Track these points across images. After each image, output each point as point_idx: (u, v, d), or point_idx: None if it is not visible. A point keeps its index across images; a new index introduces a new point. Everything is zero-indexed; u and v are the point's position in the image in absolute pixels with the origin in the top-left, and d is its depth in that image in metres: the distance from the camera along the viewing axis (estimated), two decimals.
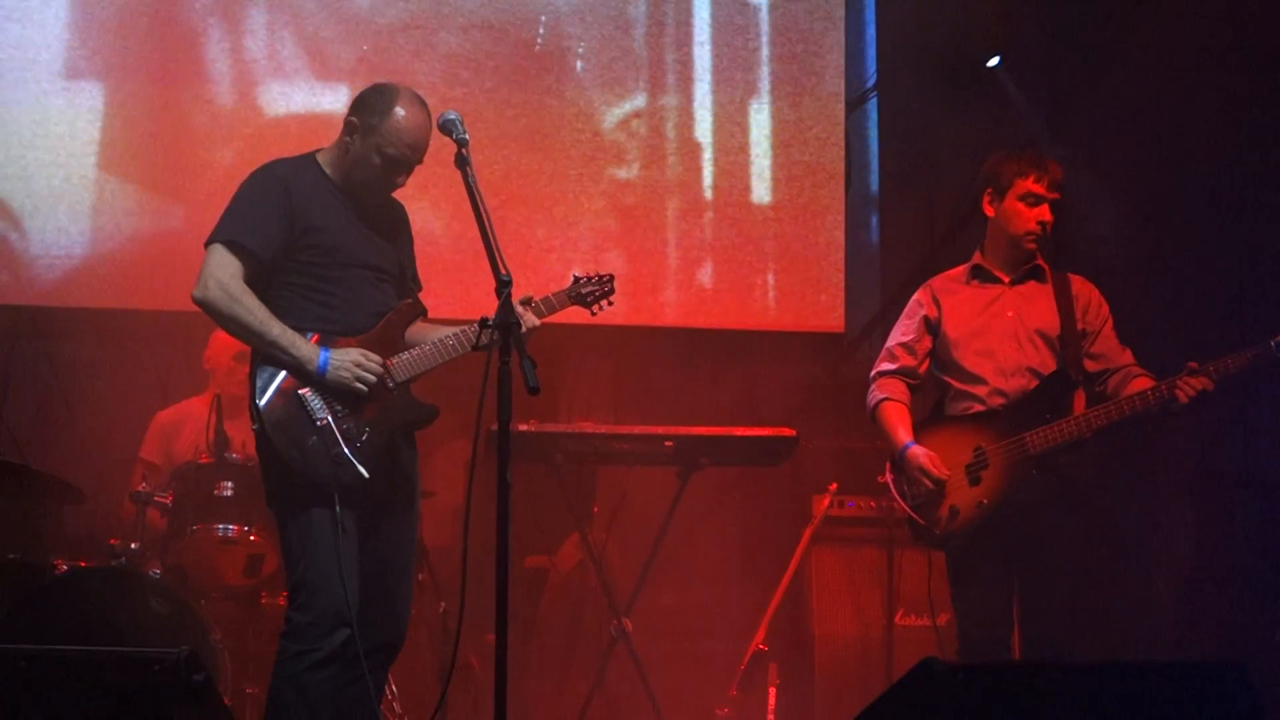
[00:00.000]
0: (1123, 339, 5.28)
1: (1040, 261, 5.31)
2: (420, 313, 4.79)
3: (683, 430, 6.22)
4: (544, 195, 7.25)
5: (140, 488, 5.87)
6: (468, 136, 4.33)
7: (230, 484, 5.80)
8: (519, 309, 4.53)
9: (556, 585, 6.72)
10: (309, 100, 7.18)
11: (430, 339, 4.64)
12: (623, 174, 7.37)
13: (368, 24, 7.25)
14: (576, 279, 4.87)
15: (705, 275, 7.41)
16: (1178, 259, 6.78)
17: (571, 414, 7.19)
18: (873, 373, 5.46)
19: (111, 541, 5.72)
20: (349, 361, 4.47)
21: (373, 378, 4.49)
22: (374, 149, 4.57)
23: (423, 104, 4.64)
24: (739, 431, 6.27)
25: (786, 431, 6.26)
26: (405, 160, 4.59)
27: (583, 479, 6.75)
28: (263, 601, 5.95)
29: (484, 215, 4.15)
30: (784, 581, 6.46)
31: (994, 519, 5.09)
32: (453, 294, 6.69)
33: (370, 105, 4.61)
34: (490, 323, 4.03)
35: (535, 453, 6.08)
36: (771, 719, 6.27)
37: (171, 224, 7.00)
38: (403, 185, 4.68)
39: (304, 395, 4.46)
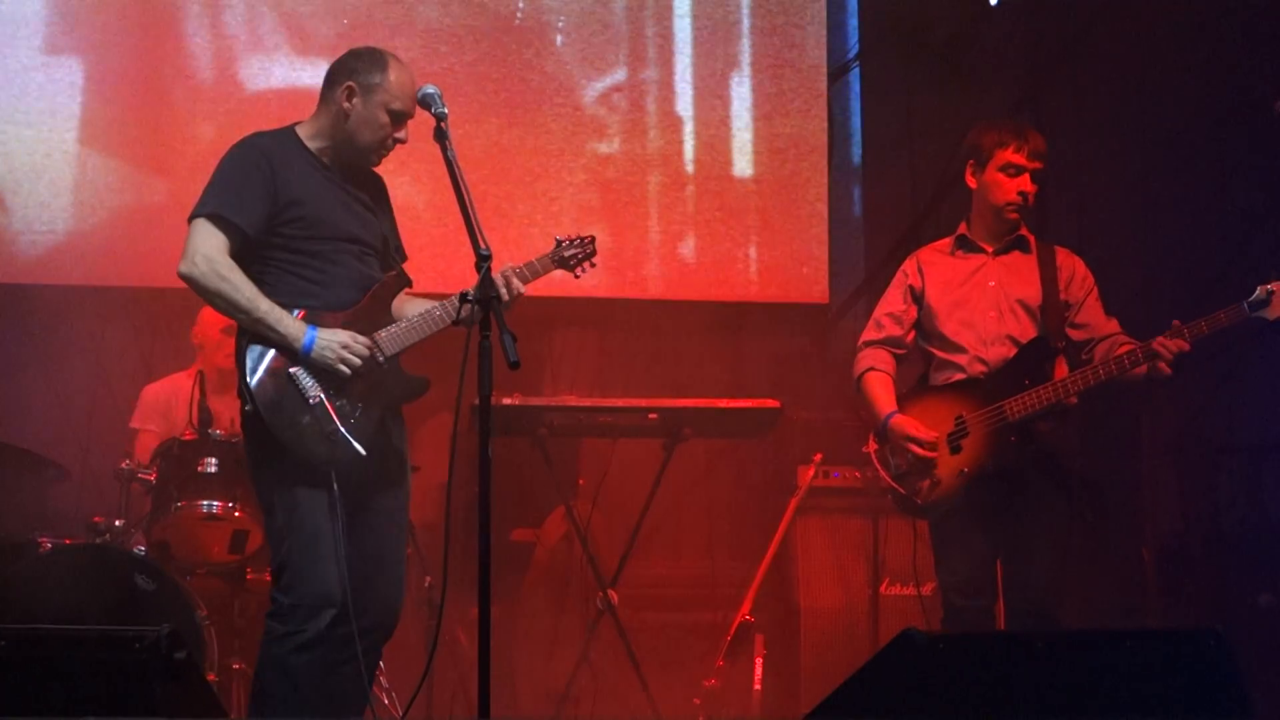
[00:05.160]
0: (1108, 309, 5.29)
1: (1025, 232, 5.32)
2: (405, 285, 4.77)
3: (667, 402, 6.22)
4: (525, 169, 7.24)
5: (125, 464, 5.86)
6: (446, 110, 4.32)
7: (214, 460, 5.78)
8: (502, 277, 4.54)
9: (542, 559, 6.73)
10: (288, 75, 7.15)
11: (417, 311, 4.63)
12: (604, 148, 7.36)
13: None
14: (559, 242, 4.85)
15: (688, 248, 7.41)
16: (1163, 225, 6.80)
17: (555, 387, 7.20)
18: (859, 342, 5.47)
19: (95, 519, 5.72)
20: (335, 343, 4.44)
21: (358, 360, 4.46)
22: (381, 106, 4.55)
23: None
24: (723, 403, 6.28)
25: (770, 403, 6.27)
26: (408, 113, 4.57)
27: (567, 452, 6.75)
28: (248, 577, 5.95)
29: (464, 190, 4.14)
30: (769, 553, 6.47)
31: (975, 487, 5.11)
32: (435, 268, 6.68)
33: (364, 68, 4.58)
34: (470, 297, 4.02)
35: (519, 426, 6.08)
36: (757, 689, 6.29)
37: (153, 199, 6.98)
38: (405, 141, 4.66)
39: (295, 374, 4.43)
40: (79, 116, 7.08)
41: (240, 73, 7.18)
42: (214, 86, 7.15)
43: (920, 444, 5.12)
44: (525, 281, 4.67)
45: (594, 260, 4.91)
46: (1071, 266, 5.29)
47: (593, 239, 4.89)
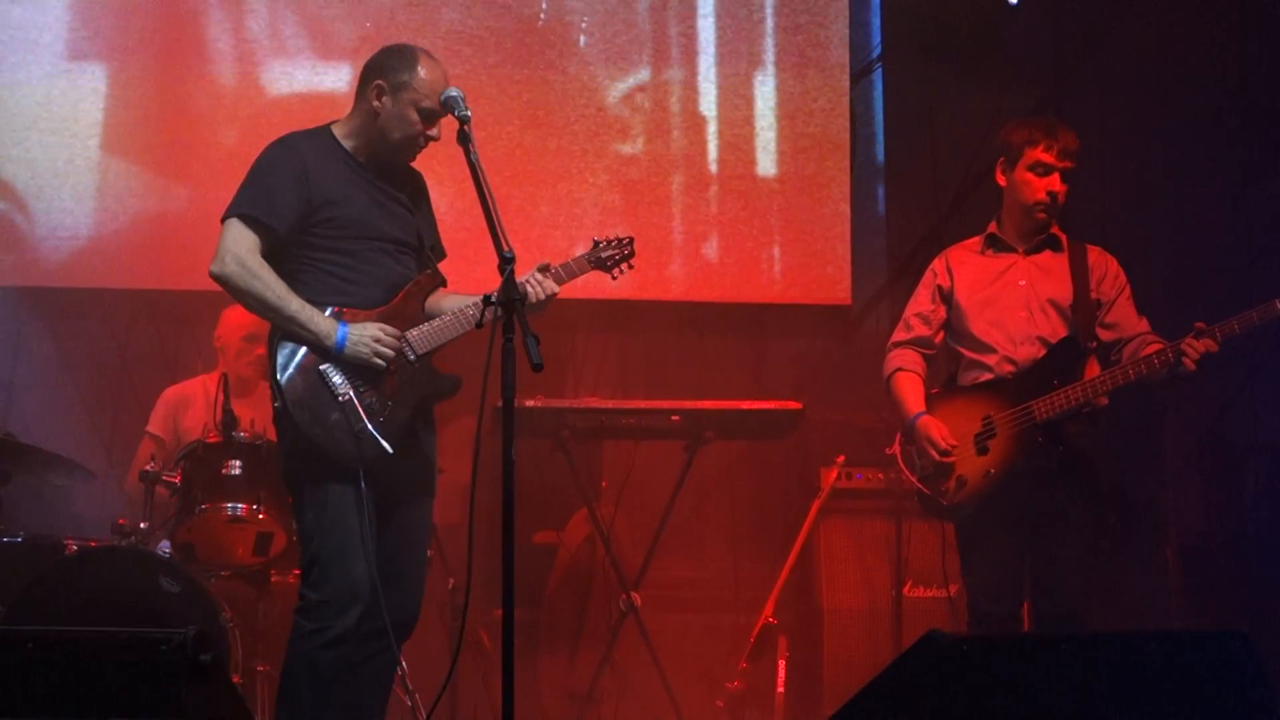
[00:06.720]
0: (1139, 308, 5.25)
1: (1056, 231, 5.29)
2: (439, 283, 4.76)
3: (689, 404, 6.22)
4: (548, 171, 7.23)
5: (150, 466, 5.87)
6: (470, 113, 4.31)
7: (238, 463, 5.79)
8: (538, 277, 4.54)
9: (565, 560, 6.73)
10: (311, 79, 7.16)
11: (449, 310, 4.63)
12: (627, 149, 7.35)
13: (369, 1, 7.22)
14: (596, 243, 4.84)
15: (711, 249, 7.39)
16: (1188, 222, 6.77)
17: (578, 389, 7.20)
18: (889, 343, 5.46)
19: (120, 521, 5.73)
20: (367, 336, 4.45)
21: (391, 352, 4.47)
22: (410, 104, 4.54)
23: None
24: (745, 405, 6.28)
25: (793, 404, 6.26)
26: (439, 110, 4.53)
27: (590, 454, 6.75)
28: (272, 580, 5.96)
29: (487, 193, 4.13)
30: (792, 554, 6.46)
31: (1001, 489, 5.08)
32: (458, 270, 6.62)
33: (394, 66, 4.58)
34: (493, 299, 4.02)
35: (542, 428, 6.08)
36: (781, 691, 6.28)
37: (175, 204, 7.00)
38: (437, 139, 4.65)
39: (325, 371, 4.45)
40: (101, 122, 7.11)
41: (262, 77, 7.20)
42: (236, 91, 7.17)
43: (935, 448, 5.10)
44: (560, 282, 4.66)
45: (632, 262, 4.89)
46: (1104, 265, 5.25)
47: (631, 240, 4.88)
